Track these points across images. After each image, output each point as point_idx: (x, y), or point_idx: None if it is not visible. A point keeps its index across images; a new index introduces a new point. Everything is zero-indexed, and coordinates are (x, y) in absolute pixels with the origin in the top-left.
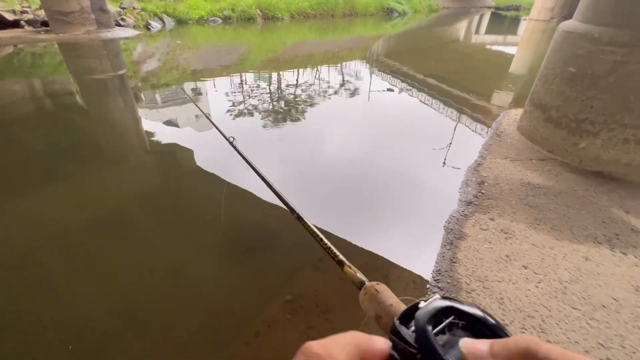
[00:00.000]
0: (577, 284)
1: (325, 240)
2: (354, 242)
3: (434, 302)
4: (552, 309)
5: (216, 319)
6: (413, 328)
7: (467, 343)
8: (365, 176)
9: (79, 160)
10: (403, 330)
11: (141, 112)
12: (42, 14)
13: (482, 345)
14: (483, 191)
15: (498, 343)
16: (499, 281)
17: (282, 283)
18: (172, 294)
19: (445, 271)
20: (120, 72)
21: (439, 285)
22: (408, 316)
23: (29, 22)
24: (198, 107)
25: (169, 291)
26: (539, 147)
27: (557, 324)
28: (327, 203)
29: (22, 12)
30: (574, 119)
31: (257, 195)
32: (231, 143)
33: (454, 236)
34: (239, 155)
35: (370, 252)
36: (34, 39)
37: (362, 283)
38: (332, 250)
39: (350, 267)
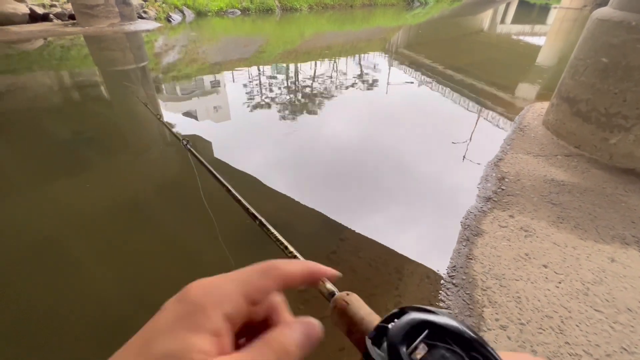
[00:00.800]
0: (601, 285)
1: (291, 248)
2: (366, 234)
3: (408, 315)
4: (573, 310)
5: None
6: (386, 347)
7: None
8: (381, 170)
9: (102, 150)
10: (375, 352)
11: (162, 103)
12: (69, 7)
13: None
14: (503, 187)
15: None
16: (516, 280)
17: None
18: (186, 279)
19: (461, 267)
20: (142, 64)
21: (454, 281)
22: (380, 333)
23: (57, 16)
24: (148, 107)
25: (184, 276)
26: (565, 142)
27: (577, 325)
28: (342, 195)
29: (51, 5)
30: (604, 113)
31: (270, 186)
32: (185, 145)
33: (471, 232)
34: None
35: (383, 245)
36: (62, 32)
37: (332, 293)
38: (299, 259)
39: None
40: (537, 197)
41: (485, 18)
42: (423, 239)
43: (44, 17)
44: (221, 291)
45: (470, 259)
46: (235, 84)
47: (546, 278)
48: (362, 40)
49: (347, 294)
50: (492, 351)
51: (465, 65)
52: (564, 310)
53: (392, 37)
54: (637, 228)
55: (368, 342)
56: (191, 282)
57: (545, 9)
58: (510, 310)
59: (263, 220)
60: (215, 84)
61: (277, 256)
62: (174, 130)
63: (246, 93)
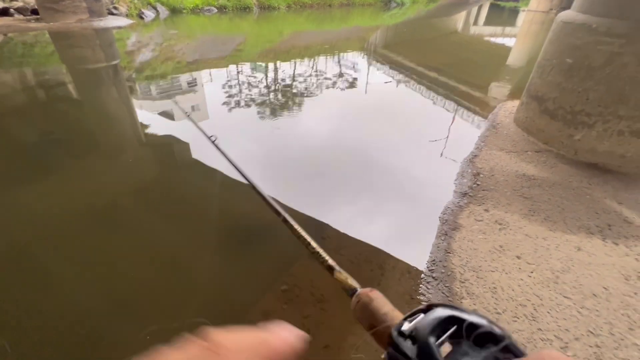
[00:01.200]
0: (569, 273)
1: (314, 244)
2: (348, 232)
3: (435, 311)
4: (544, 297)
5: (212, 308)
6: (410, 341)
7: None
8: (360, 167)
9: (73, 152)
10: (402, 343)
11: (136, 103)
12: (32, 1)
13: None
14: (478, 182)
15: None
16: (492, 271)
17: (278, 273)
18: (167, 285)
19: (440, 261)
20: (114, 62)
21: (433, 275)
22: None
23: (19, 10)
24: (178, 105)
25: (164, 281)
26: (535, 139)
27: (548, 312)
28: (321, 193)
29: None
30: (570, 111)
31: (248, 185)
32: (213, 142)
33: (448, 227)
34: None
35: (364, 242)
36: (24, 28)
37: (354, 290)
38: (321, 254)
39: (341, 272)
40: (510, 191)
41: (459, 19)
42: (403, 235)
43: (4, 12)
44: (247, 347)
45: (449, 252)
46: (213, 83)
47: (519, 268)
48: (341, 40)
49: (371, 290)
50: (515, 346)
51: (441, 65)
52: (536, 298)
53: (370, 37)
54: (601, 218)
55: (394, 333)
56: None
57: (514, 12)
58: (487, 300)
59: (287, 216)
60: (192, 84)
61: (295, 252)
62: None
63: (225, 92)
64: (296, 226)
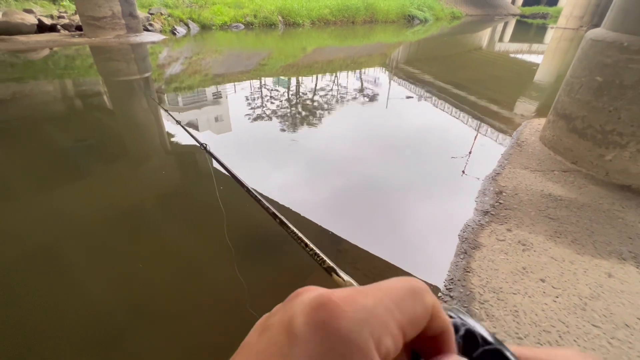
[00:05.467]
0: (599, 300)
1: (311, 245)
2: (364, 246)
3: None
4: (570, 325)
5: (229, 314)
6: None
7: None
8: (381, 182)
9: (104, 157)
10: None
11: (163, 113)
12: (77, 19)
13: None
14: (501, 201)
15: None
16: (514, 293)
17: (296, 282)
18: (186, 289)
19: (459, 280)
20: (146, 75)
21: (451, 294)
22: None
23: (65, 27)
24: (170, 114)
25: (184, 286)
26: (562, 158)
27: (575, 340)
28: (338, 205)
29: (59, 17)
30: (600, 130)
31: (268, 196)
32: (204, 149)
33: (468, 245)
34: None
35: (380, 257)
36: (68, 42)
37: None
38: (320, 255)
39: (339, 275)
40: (534, 211)
41: (483, 36)
42: (421, 251)
43: (52, 28)
44: (379, 321)
45: (468, 271)
46: (237, 95)
47: (544, 292)
48: (363, 55)
49: None
50: (508, 352)
51: (465, 82)
52: (561, 325)
53: (392, 53)
54: (634, 244)
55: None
56: (328, 294)
57: (542, 29)
58: (508, 324)
59: (283, 218)
60: (217, 96)
61: (295, 255)
62: (195, 136)
63: (248, 105)
64: (293, 228)
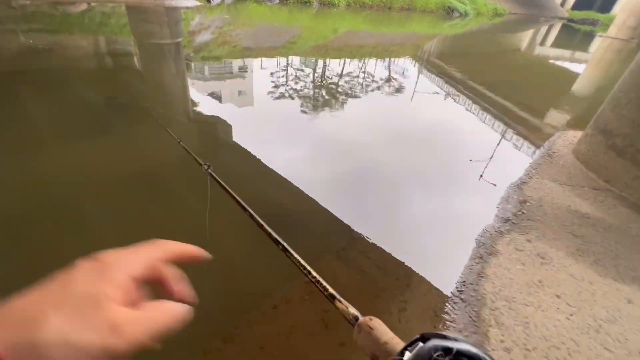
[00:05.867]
0: (615, 325)
1: (314, 273)
2: (377, 240)
3: (430, 342)
4: (582, 345)
5: (239, 288)
6: None
7: None
8: (399, 177)
9: (129, 117)
10: None
11: (190, 81)
12: None
13: None
14: (524, 210)
15: None
16: (527, 305)
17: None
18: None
19: (471, 284)
20: (177, 40)
21: (462, 296)
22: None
23: None
24: (169, 132)
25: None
26: (595, 175)
27: None
28: (355, 199)
29: None
30: None
31: (285, 177)
32: (206, 170)
33: (485, 251)
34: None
35: (393, 254)
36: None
37: (356, 318)
38: (322, 283)
39: (341, 302)
40: (558, 225)
41: (524, 38)
42: (435, 251)
43: None
44: (126, 259)
45: (482, 277)
46: (262, 71)
47: (558, 308)
48: (395, 44)
49: (370, 319)
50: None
51: (497, 83)
52: (572, 343)
53: (425, 45)
54: None
55: None
56: (102, 252)
57: (589, 36)
58: (517, 334)
59: (286, 245)
60: (243, 69)
61: (324, 246)
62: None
63: (272, 81)
64: (296, 255)
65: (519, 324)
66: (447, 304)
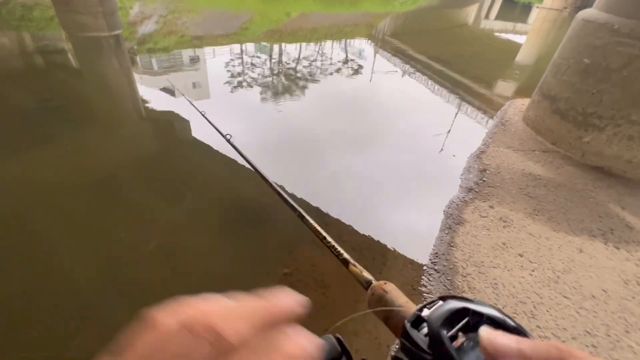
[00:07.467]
0: (570, 274)
1: (329, 239)
2: (350, 221)
3: (448, 303)
4: (544, 296)
5: (212, 287)
6: (425, 331)
7: (488, 334)
8: (365, 159)
9: (70, 121)
10: (415, 334)
11: (136, 76)
12: None
13: (506, 339)
14: (484, 179)
15: (527, 343)
16: (494, 267)
17: (280, 256)
18: (165, 261)
19: (443, 254)
20: (116, 32)
21: (436, 267)
22: (419, 318)
23: None
24: (193, 104)
25: (162, 258)
26: (543, 139)
27: (547, 310)
28: (324, 185)
29: None
30: (581, 112)
31: (249, 169)
32: (228, 140)
33: (453, 221)
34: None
35: (367, 230)
36: None
37: (369, 282)
38: (337, 248)
39: (355, 266)
40: (515, 189)
41: (470, 12)
42: (407, 227)
43: None
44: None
45: (452, 246)
46: (216, 60)
47: (521, 266)
48: (349, 25)
49: (385, 283)
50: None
51: (449, 58)
52: (536, 296)
53: (379, 24)
54: (603, 222)
55: (407, 325)
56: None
57: (527, 8)
58: (488, 295)
59: (302, 212)
60: (195, 60)
61: (296, 236)
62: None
63: (227, 71)
64: (312, 221)
65: (489, 285)
66: (423, 277)
